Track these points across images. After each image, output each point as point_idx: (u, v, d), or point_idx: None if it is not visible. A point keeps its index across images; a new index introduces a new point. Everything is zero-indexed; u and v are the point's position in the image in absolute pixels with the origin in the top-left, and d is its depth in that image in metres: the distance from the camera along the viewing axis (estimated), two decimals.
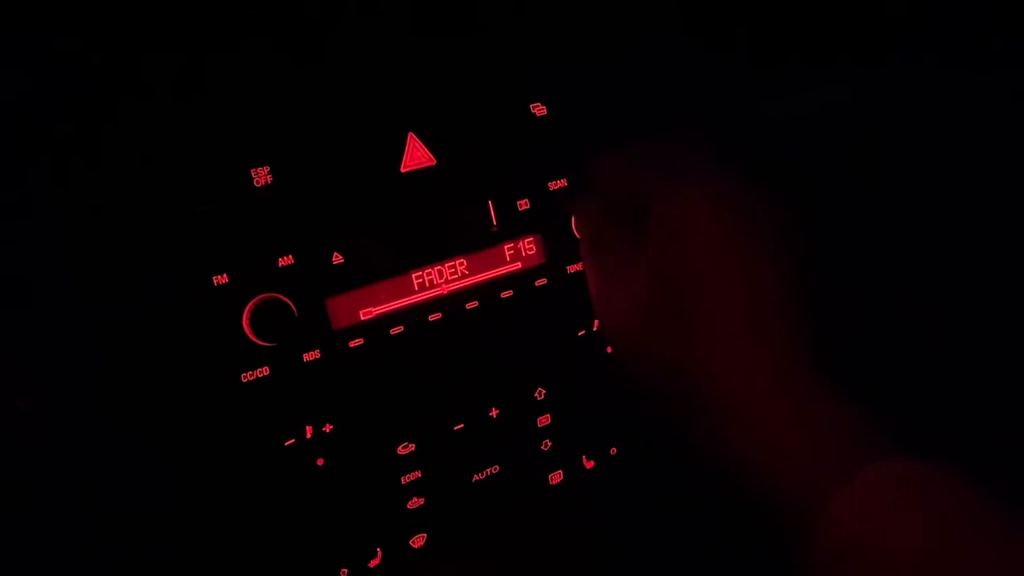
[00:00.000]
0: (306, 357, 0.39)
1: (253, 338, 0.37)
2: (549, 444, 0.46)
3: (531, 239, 0.44)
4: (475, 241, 0.42)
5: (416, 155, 0.41)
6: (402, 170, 0.40)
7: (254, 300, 0.37)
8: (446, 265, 0.42)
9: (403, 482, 0.42)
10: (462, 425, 0.43)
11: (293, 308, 0.38)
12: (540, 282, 0.44)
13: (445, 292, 0.42)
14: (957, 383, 0.46)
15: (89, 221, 0.35)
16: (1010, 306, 0.48)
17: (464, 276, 0.42)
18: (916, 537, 0.26)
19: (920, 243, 0.50)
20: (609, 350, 0.46)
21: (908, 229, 0.50)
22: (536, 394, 0.45)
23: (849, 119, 0.52)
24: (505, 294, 0.43)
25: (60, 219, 0.35)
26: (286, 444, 0.39)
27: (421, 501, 0.42)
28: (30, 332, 0.35)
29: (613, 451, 0.48)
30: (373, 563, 0.42)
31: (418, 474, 0.42)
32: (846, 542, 0.27)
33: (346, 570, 0.41)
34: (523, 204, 0.43)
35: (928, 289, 0.49)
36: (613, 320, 0.36)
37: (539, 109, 0.43)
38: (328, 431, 0.40)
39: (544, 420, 0.45)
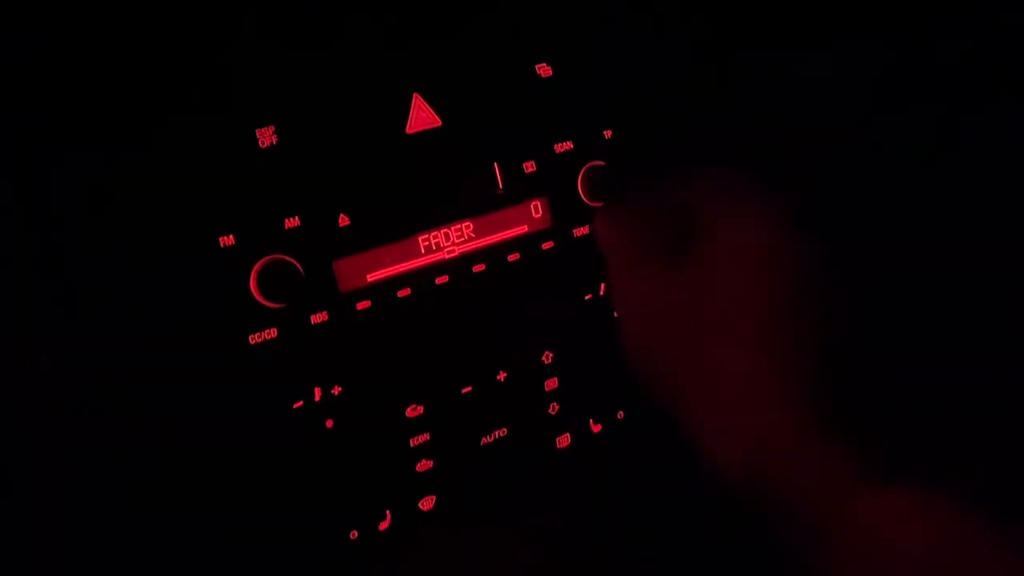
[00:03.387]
0: (314, 319, 0.39)
1: (261, 299, 0.37)
2: (556, 408, 0.46)
3: (537, 202, 0.44)
4: (481, 204, 0.42)
5: (421, 116, 0.40)
6: (407, 132, 0.40)
7: (261, 261, 0.37)
8: (452, 228, 0.42)
9: (412, 444, 0.42)
10: (470, 388, 0.43)
11: (300, 270, 0.38)
12: (547, 245, 0.44)
13: (452, 255, 0.42)
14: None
15: (96, 184, 0.35)
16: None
17: (470, 239, 0.42)
18: (919, 556, 0.26)
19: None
20: (616, 314, 0.46)
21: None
22: (543, 358, 0.45)
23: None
24: (512, 257, 0.43)
25: (65, 180, 0.35)
26: (295, 406, 0.39)
27: (430, 464, 0.43)
28: (36, 295, 0.35)
29: (620, 415, 0.48)
30: (383, 525, 0.42)
31: (426, 436, 0.42)
32: (851, 559, 0.27)
33: (356, 532, 0.41)
34: (529, 166, 0.43)
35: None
36: (633, 328, 0.36)
37: (544, 70, 0.43)
38: (336, 393, 0.40)
39: (551, 384, 0.45)
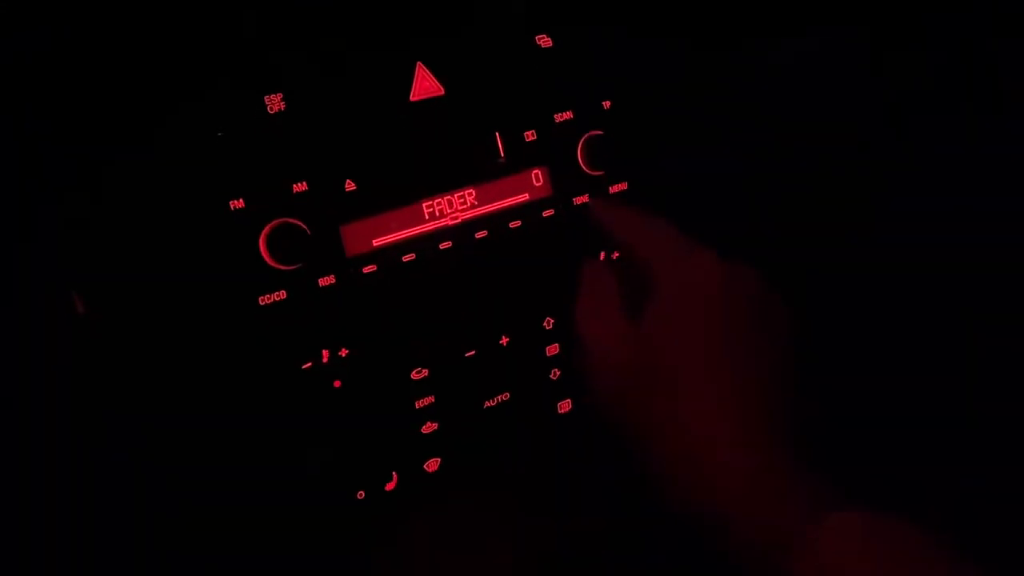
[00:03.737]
0: (321, 282, 0.40)
1: (270, 261, 0.38)
2: (558, 373, 0.47)
3: (538, 171, 0.45)
4: (483, 172, 0.43)
5: (424, 85, 0.41)
6: (411, 100, 0.41)
7: (270, 224, 0.38)
8: (455, 195, 0.43)
9: (417, 407, 0.43)
10: (473, 352, 0.44)
11: (308, 233, 0.39)
12: (547, 213, 0.45)
13: (455, 222, 0.43)
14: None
15: (109, 150, 0.36)
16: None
17: (473, 206, 0.43)
18: None
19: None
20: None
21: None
22: (545, 324, 0.46)
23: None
24: (513, 224, 0.44)
25: (78, 145, 0.36)
26: (304, 367, 0.40)
27: (435, 426, 0.44)
28: (49, 255, 0.36)
29: None
30: (389, 486, 0.43)
31: (431, 399, 0.43)
32: None
33: (363, 492, 0.42)
34: (530, 135, 0.44)
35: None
36: (593, 372, 0.37)
37: (544, 41, 0.44)
38: (344, 355, 0.41)
39: (553, 349, 0.46)
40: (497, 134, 0.43)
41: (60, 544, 0.38)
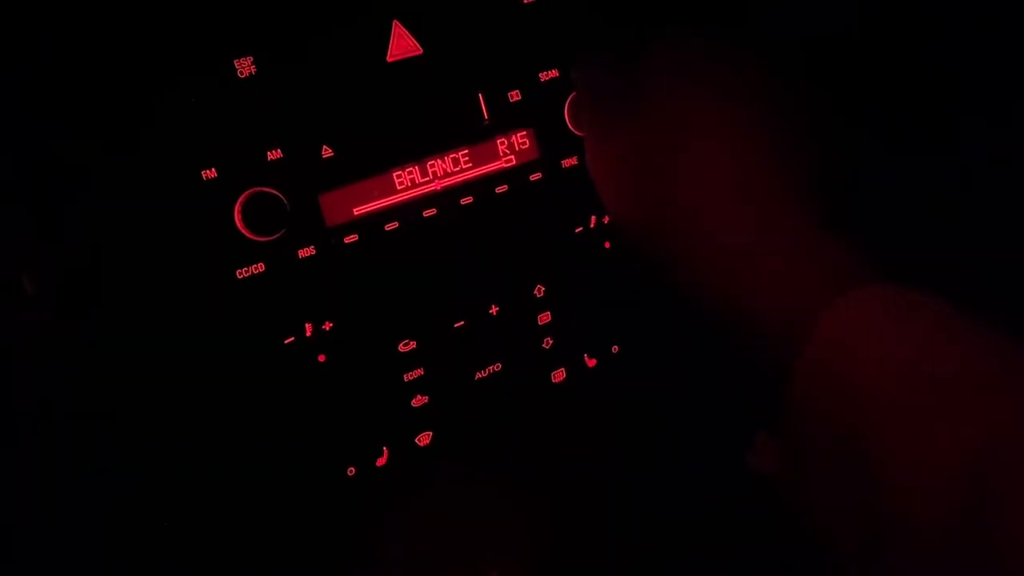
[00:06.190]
0: (301, 253, 0.38)
1: (246, 232, 0.36)
2: (550, 342, 0.45)
3: (524, 133, 0.43)
4: (467, 135, 0.42)
5: (402, 44, 0.40)
6: (388, 60, 0.39)
7: (245, 194, 0.36)
8: (439, 160, 0.41)
9: (406, 380, 0.42)
10: (462, 322, 0.43)
11: (285, 202, 0.37)
12: (535, 177, 0.43)
13: (439, 187, 0.41)
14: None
15: (76, 115, 0.35)
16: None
17: (457, 171, 0.42)
18: (900, 354, 0.26)
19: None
20: (607, 245, 0.46)
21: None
22: (535, 291, 0.45)
23: None
24: (500, 189, 0.43)
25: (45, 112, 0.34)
26: (286, 342, 0.39)
27: (425, 399, 0.42)
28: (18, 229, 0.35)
29: (615, 349, 0.48)
30: (380, 462, 0.42)
31: (420, 372, 0.42)
32: (835, 363, 0.27)
33: (353, 468, 0.41)
34: (514, 96, 0.42)
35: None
36: (609, 188, 0.36)
37: None
38: (328, 329, 0.40)
39: (544, 318, 0.45)
40: (480, 95, 0.42)
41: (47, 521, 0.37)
